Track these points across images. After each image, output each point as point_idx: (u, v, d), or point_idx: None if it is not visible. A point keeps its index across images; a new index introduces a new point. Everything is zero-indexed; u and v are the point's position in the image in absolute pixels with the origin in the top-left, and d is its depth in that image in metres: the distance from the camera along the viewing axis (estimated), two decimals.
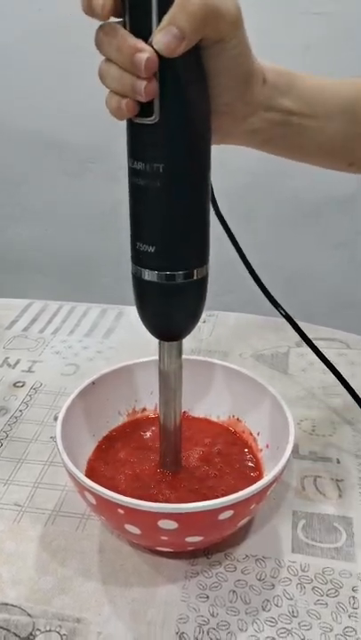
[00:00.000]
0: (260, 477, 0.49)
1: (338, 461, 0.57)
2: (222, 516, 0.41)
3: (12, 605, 0.43)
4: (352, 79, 0.48)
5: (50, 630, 0.42)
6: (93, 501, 0.43)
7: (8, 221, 1.59)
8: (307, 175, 0.53)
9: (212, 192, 0.56)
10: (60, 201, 1.51)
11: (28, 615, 0.43)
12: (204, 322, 0.81)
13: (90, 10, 0.34)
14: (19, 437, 0.60)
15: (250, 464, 0.51)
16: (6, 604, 0.44)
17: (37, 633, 0.42)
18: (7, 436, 0.61)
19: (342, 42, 1.22)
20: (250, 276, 0.66)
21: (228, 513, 0.41)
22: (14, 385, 0.69)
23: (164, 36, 0.33)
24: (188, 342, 0.76)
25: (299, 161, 0.49)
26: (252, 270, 0.61)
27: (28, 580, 0.45)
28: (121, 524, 0.43)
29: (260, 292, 0.62)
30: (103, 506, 0.42)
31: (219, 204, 0.55)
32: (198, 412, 0.57)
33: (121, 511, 0.41)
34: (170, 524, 0.41)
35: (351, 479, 0.55)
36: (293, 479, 0.55)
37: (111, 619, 0.43)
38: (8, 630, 0.42)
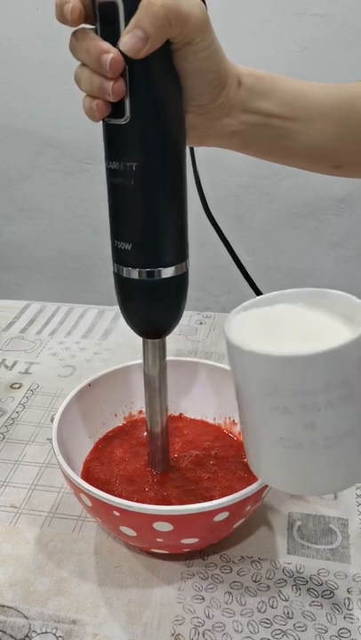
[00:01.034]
0: (255, 479, 0.49)
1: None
2: (218, 518, 0.41)
3: (8, 607, 0.44)
4: (335, 84, 0.49)
5: (46, 632, 0.42)
6: (89, 503, 0.43)
7: (5, 220, 1.59)
8: (302, 176, 0.54)
9: (204, 195, 0.56)
10: (57, 200, 1.51)
11: (24, 617, 0.43)
12: (201, 323, 0.82)
13: (62, 17, 0.35)
14: (15, 439, 0.60)
15: (245, 466, 0.51)
16: (2, 606, 0.44)
17: (33, 635, 0.42)
18: (4, 437, 0.61)
19: (339, 43, 1.22)
20: (250, 275, 0.67)
21: (224, 515, 0.41)
22: (11, 386, 0.69)
23: (129, 39, 0.34)
24: (184, 343, 0.77)
25: (284, 164, 0.49)
26: (245, 270, 0.61)
27: (24, 582, 0.46)
28: (116, 525, 0.43)
29: (256, 294, 0.62)
30: (99, 508, 0.42)
31: (215, 205, 0.56)
32: (194, 414, 0.57)
33: (116, 513, 0.41)
34: (165, 526, 0.41)
35: None
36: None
37: (107, 620, 0.43)
38: (4, 632, 0.42)
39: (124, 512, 0.40)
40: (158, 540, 0.42)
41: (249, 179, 1.37)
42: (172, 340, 0.74)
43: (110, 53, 0.35)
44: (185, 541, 0.43)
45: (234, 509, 0.41)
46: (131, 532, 0.42)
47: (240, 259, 0.65)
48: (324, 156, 0.49)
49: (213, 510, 0.40)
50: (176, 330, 0.79)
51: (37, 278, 1.64)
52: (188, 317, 0.83)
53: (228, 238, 0.63)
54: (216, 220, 0.60)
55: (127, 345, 0.77)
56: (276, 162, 0.49)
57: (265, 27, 1.22)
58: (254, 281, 0.67)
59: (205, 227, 0.60)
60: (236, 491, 0.41)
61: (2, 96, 1.42)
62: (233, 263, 0.65)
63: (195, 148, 0.52)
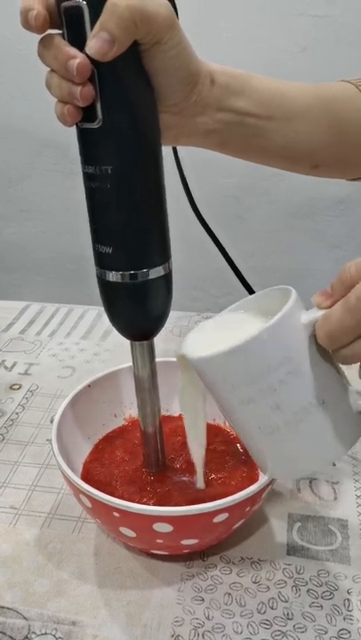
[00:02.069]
0: (255, 475, 0.49)
1: (333, 464, 0.57)
2: (217, 519, 0.41)
3: (8, 608, 0.44)
4: (313, 84, 0.49)
5: (45, 633, 0.42)
6: (89, 504, 0.43)
7: (4, 221, 1.59)
8: (301, 177, 0.54)
9: (193, 199, 0.56)
10: (56, 201, 1.51)
11: (24, 618, 0.43)
12: None
13: (26, 24, 0.35)
14: (15, 440, 0.60)
15: (244, 465, 0.51)
16: (2, 607, 0.44)
17: (33, 636, 0.42)
18: (3, 438, 0.61)
19: (338, 44, 1.22)
20: (245, 277, 0.67)
21: (223, 516, 0.41)
22: (11, 387, 0.69)
23: (95, 42, 0.34)
24: None
25: (261, 163, 0.50)
26: (239, 273, 0.61)
27: (23, 583, 0.45)
28: (116, 526, 0.43)
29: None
30: (98, 509, 0.42)
31: (213, 206, 0.56)
32: None
33: (116, 514, 0.41)
34: (165, 527, 0.41)
35: (347, 481, 0.55)
36: (289, 481, 0.55)
37: (107, 621, 0.43)
38: (4, 633, 0.42)
39: (124, 513, 0.40)
40: (158, 540, 0.42)
41: (248, 180, 1.38)
42: (172, 342, 0.74)
43: (77, 59, 0.35)
44: (185, 542, 0.43)
45: (233, 510, 0.41)
46: (130, 533, 0.42)
47: (238, 260, 0.65)
48: (302, 156, 0.49)
49: (213, 511, 0.40)
50: (176, 331, 0.80)
51: (36, 279, 1.64)
52: (187, 318, 0.83)
53: (227, 239, 0.63)
54: (215, 220, 0.61)
55: (126, 346, 0.77)
56: (254, 161, 0.49)
57: (264, 27, 1.22)
58: (253, 281, 0.67)
59: (203, 228, 0.61)
60: (237, 489, 0.41)
61: (2, 96, 1.42)
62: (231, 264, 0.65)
63: (186, 152, 0.52)
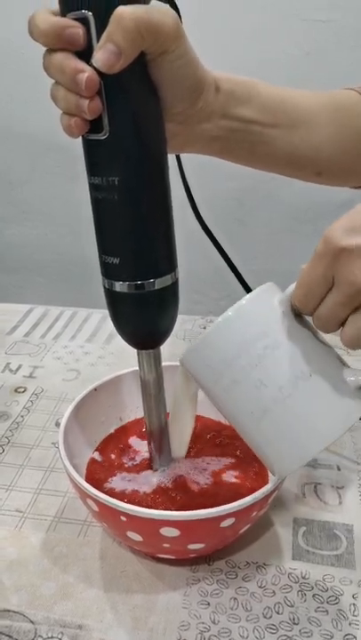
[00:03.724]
0: (263, 473, 0.49)
1: (338, 468, 0.57)
2: (224, 524, 0.41)
3: (14, 612, 0.44)
4: (318, 92, 0.49)
5: (52, 637, 0.42)
6: (95, 508, 0.43)
7: (8, 223, 1.59)
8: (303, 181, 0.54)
9: (195, 203, 0.56)
10: (59, 203, 1.52)
11: (30, 622, 0.43)
12: (205, 328, 0.82)
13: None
14: (20, 443, 0.61)
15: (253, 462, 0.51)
16: (8, 611, 0.44)
17: (39, 639, 0.42)
18: (9, 441, 0.61)
19: (342, 49, 1.23)
20: (246, 280, 0.67)
21: (230, 520, 0.41)
22: (16, 390, 0.69)
23: (102, 54, 0.34)
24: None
25: (265, 170, 0.50)
26: (240, 276, 0.61)
27: (29, 587, 0.46)
28: (123, 531, 0.43)
29: None
30: (105, 513, 0.42)
31: (215, 210, 0.56)
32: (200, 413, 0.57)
33: (123, 518, 0.41)
34: (172, 532, 0.41)
35: (352, 486, 0.55)
36: (294, 486, 0.55)
37: (113, 625, 0.43)
38: (10, 636, 0.42)
39: (131, 517, 0.41)
40: (165, 545, 0.42)
41: (250, 182, 1.38)
42: (176, 345, 0.74)
43: (85, 72, 0.34)
44: (191, 547, 0.43)
45: (240, 515, 0.41)
46: (137, 537, 0.43)
47: (240, 262, 0.65)
48: (305, 163, 0.49)
49: (220, 516, 0.40)
50: (181, 334, 0.80)
51: (39, 281, 1.65)
52: (192, 322, 0.83)
53: (228, 242, 0.63)
54: (216, 222, 0.61)
55: (131, 349, 0.77)
56: (258, 168, 0.49)
57: (268, 32, 1.23)
58: (255, 284, 0.67)
59: (203, 230, 0.61)
60: (244, 490, 0.41)
61: (3, 99, 1.43)
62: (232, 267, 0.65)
63: (188, 155, 0.52)
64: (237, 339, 0.38)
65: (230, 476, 0.50)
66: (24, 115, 1.42)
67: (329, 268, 0.35)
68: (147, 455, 0.52)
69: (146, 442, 0.54)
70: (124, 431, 0.56)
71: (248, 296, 0.39)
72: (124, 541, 0.47)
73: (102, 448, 0.54)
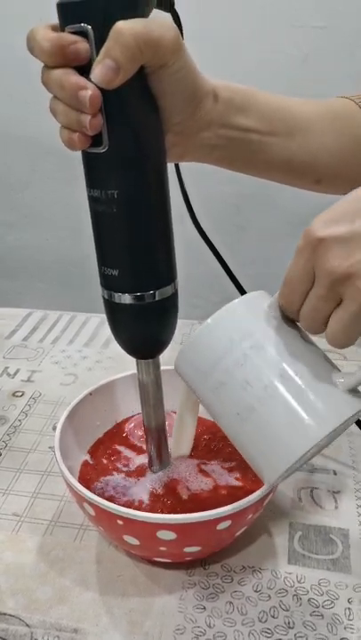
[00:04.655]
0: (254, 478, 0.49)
1: (334, 473, 0.57)
2: (220, 526, 0.41)
3: (10, 615, 0.44)
4: (314, 100, 0.50)
5: None
6: (92, 512, 0.43)
7: (8, 228, 1.60)
8: None
9: (193, 211, 0.57)
10: (60, 208, 1.52)
11: (26, 625, 0.43)
12: None
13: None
14: (18, 447, 0.61)
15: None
16: (4, 614, 0.44)
17: None
18: (6, 445, 0.61)
19: (338, 54, 1.24)
20: (245, 285, 0.67)
21: (226, 523, 0.41)
22: (13, 394, 0.69)
23: (100, 70, 0.34)
24: None
25: (265, 178, 0.50)
26: (237, 282, 0.62)
27: (26, 590, 0.46)
28: (120, 534, 0.43)
29: None
30: (102, 516, 0.43)
31: (214, 215, 0.56)
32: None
33: (120, 522, 0.41)
34: (169, 535, 0.41)
35: (348, 491, 0.55)
36: (290, 491, 0.55)
37: (108, 629, 0.43)
38: None
39: (128, 521, 0.41)
40: (161, 548, 0.43)
41: (249, 188, 1.38)
42: (175, 350, 0.74)
43: (88, 90, 0.34)
44: (187, 550, 0.43)
45: (236, 518, 0.42)
46: (134, 541, 0.43)
47: (238, 267, 0.65)
48: (304, 171, 0.50)
49: (216, 519, 0.41)
50: (178, 339, 0.80)
51: (39, 285, 1.65)
52: (189, 326, 0.83)
53: (226, 247, 0.63)
54: (215, 228, 0.61)
55: None
56: (257, 176, 0.50)
57: (268, 38, 1.23)
58: (253, 289, 0.67)
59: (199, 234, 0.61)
60: (241, 493, 0.41)
61: (5, 103, 1.43)
62: (232, 270, 0.65)
63: (183, 163, 0.52)
64: (223, 339, 0.38)
65: (228, 479, 0.50)
66: (25, 119, 1.43)
67: (309, 261, 0.35)
68: (139, 458, 0.52)
69: (134, 445, 0.55)
70: (122, 435, 0.56)
71: (237, 299, 0.39)
72: (121, 545, 0.47)
73: (99, 452, 0.54)
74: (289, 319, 0.39)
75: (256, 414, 0.38)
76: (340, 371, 0.39)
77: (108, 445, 0.54)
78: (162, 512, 0.46)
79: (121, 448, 0.54)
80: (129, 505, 0.47)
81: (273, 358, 0.38)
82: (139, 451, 0.53)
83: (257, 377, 0.37)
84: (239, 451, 0.41)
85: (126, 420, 0.57)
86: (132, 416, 0.57)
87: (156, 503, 0.48)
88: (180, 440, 0.50)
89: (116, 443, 0.55)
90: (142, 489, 0.49)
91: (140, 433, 0.55)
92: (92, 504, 0.42)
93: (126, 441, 0.55)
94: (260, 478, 0.41)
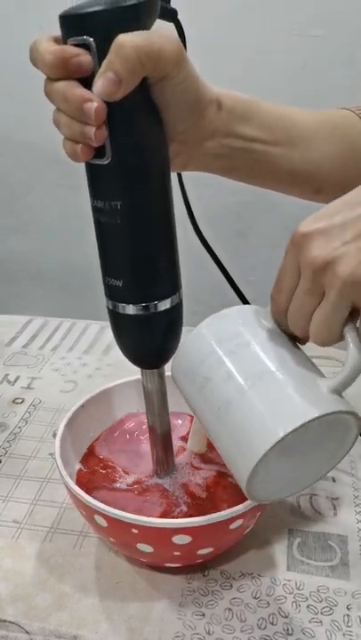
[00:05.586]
0: None
1: (333, 480, 0.57)
2: (233, 526, 0.42)
3: (10, 622, 0.44)
4: (316, 110, 0.50)
5: None
6: (104, 524, 0.43)
7: (8, 233, 1.60)
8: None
9: (194, 217, 0.57)
10: (60, 213, 1.53)
11: (26, 632, 0.43)
12: None
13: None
14: (18, 454, 0.61)
15: None
16: (4, 621, 0.44)
17: None
18: (6, 452, 0.61)
19: (336, 63, 1.25)
20: (246, 291, 0.67)
21: (239, 522, 0.42)
22: (13, 401, 0.70)
23: (102, 82, 0.34)
24: None
25: (267, 188, 0.50)
26: (238, 290, 0.62)
27: (25, 597, 0.46)
28: (133, 543, 0.43)
29: None
30: (115, 527, 0.42)
31: (215, 221, 0.56)
32: None
33: (135, 530, 0.41)
34: (184, 539, 0.41)
35: (346, 497, 0.55)
36: (289, 497, 0.55)
37: (108, 636, 0.43)
38: None
39: (143, 528, 0.41)
40: (175, 553, 0.43)
41: (249, 194, 1.39)
42: None
43: (94, 102, 0.34)
44: (200, 552, 0.44)
45: (247, 516, 0.43)
46: (147, 549, 0.43)
47: (240, 274, 0.65)
48: (306, 180, 0.50)
49: (230, 518, 0.41)
50: None
51: (39, 292, 1.65)
52: (189, 333, 0.83)
53: (228, 254, 0.64)
54: (216, 235, 0.61)
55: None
56: (260, 186, 0.50)
57: (266, 46, 1.24)
58: (255, 295, 0.67)
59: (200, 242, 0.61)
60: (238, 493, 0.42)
61: (7, 110, 1.44)
62: (234, 277, 0.65)
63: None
64: (212, 340, 0.39)
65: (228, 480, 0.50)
66: (28, 126, 1.43)
67: (294, 258, 0.36)
68: (137, 465, 0.52)
69: (145, 450, 0.55)
70: (122, 441, 0.55)
71: (229, 308, 0.40)
72: (130, 554, 0.47)
73: (99, 459, 0.53)
74: (279, 329, 0.39)
75: (236, 404, 0.37)
76: (325, 377, 0.39)
77: (115, 453, 0.54)
78: (170, 514, 0.46)
79: (112, 456, 0.54)
80: (137, 512, 0.47)
81: (258, 355, 0.38)
82: (145, 458, 0.53)
83: (240, 370, 0.38)
84: (217, 448, 0.40)
85: (118, 423, 0.57)
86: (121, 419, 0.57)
87: (168, 505, 0.48)
88: (195, 438, 0.51)
89: (122, 450, 0.55)
90: (152, 494, 0.49)
91: (129, 437, 0.55)
92: (104, 515, 0.42)
93: (133, 449, 0.55)
94: (235, 478, 0.39)
